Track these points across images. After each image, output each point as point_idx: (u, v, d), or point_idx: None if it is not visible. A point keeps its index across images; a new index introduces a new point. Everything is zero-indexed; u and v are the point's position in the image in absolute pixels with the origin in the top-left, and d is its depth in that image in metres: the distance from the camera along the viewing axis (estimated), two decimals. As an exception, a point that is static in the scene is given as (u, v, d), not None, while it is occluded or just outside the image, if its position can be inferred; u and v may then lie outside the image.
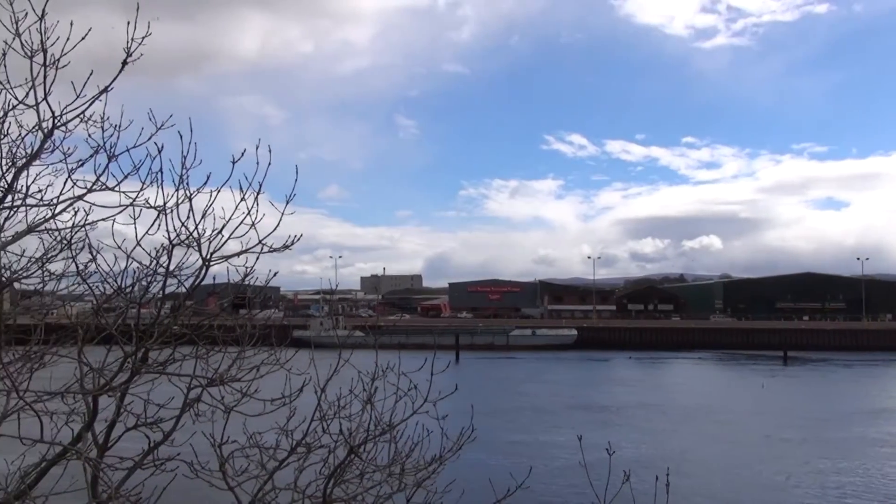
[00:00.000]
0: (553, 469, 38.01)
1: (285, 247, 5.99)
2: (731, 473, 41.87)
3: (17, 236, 6.40)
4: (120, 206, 6.10)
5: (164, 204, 5.85)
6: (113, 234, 6.04)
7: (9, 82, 5.90)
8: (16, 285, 6.89)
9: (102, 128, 6.09)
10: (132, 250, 5.95)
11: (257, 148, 5.67)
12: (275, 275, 6.18)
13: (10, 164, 6.14)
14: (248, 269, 6.05)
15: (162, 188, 5.87)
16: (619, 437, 47.65)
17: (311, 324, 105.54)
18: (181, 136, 5.70)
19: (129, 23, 5.65)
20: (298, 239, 6.03)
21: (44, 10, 5.56)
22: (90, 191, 6.12)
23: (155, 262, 5.95)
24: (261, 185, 5.75)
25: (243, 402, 6.14)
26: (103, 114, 6.03)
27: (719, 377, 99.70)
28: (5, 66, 5.88)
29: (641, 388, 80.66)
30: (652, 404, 67.03)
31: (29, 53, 5.68)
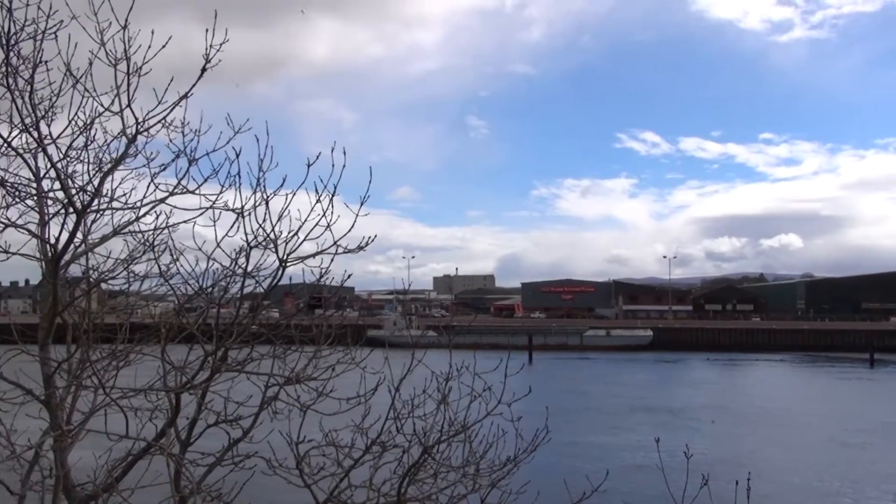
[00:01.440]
0: (629, 471, 37.45)
1: (360, 248, 6.04)
2: (808, 480, 40.50)
3: (104, 238, 6.63)
4: (200, 208, 6.27)
5: (242, 206, 5.98)
6: (193, 236, 6.20)
7: (95, 90, 6.12)
8: (103, 286, 7.15)
9: (183, 133, 6.27)
10: (212, 252, 6.10)
11: (332, 151, 5.74)
12: (350, 276, 6.26)
13: (96, 169, 6.37)
14: (324, 270, 6.12)
15: (240, 191, 6.00)
16: (695, 440, 46.65)
17: (384, 324, 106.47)
18: (258, 140, 5.81)
19: (207, 30, 5.79)
20: (373, 240, 6.08)
21: (126, 20, 5.74)
22: (172, 194, 6.31)
23: (234, 263, 6.09)
24: (335, 188, 5.82)
25: (319, 400, 6.23)
26: (183, 119, 6.21)
27: (800, 380, 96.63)
28: (91, 74, 6.09)
29: (718, 390, 78.76)
30: (728, 407, 65.37)
31: (113, 62, 5.88)
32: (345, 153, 5.78)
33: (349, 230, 5.92)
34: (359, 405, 6.34)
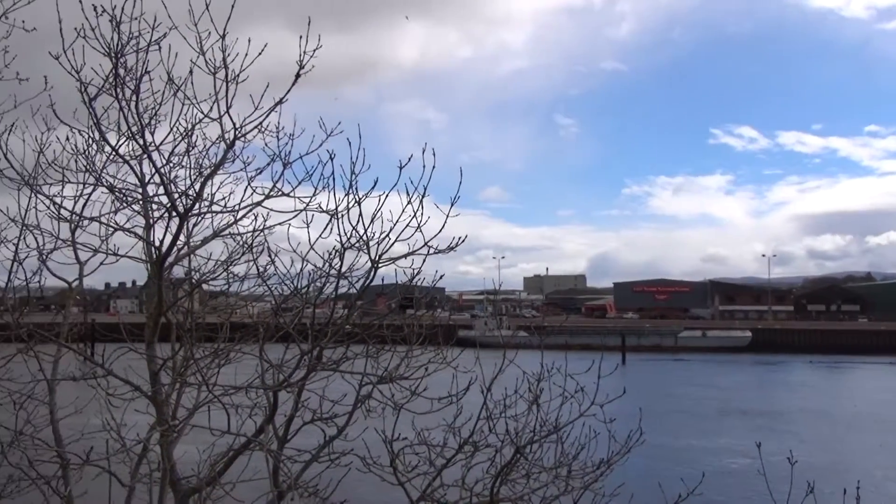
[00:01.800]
0: (726, 476, 36.37)
1: (450, 248, 6.07)
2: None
3: (205, 241, 6.88)
4: (295, 211, 6.43)
5: (336, 208, 6.09)
6: (289, 237, 6.36)
7: (195, 98, 6.35)
8: (204, 286, 7.41)
9: (278, 137, 6.45)
10: (307, 253, 6.25)
11: (423, 152, 5.78)
12: (441, 276, 6.28)
13: (197, 173, 6.61)
14: (415, 271, 6.18)
15: (333, 193, 6.12)
16: (795, 445, 44.84)
17: (475, 324, 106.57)
18: (350, 143, 5.92)
19: (300, 37, 5.93)
20: (463, 241, 6.10)
21: (225, 29, 5.93)
22: (268, 197, 6.49)
23: (328, 264, 6.21)
24: (426, 189, 5.87)
25: (412, 399, 6.29)
26: (278, 124, 6.39)
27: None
28: (192, 83, 6.33)
29: (820, 394, 75.57)
30: (830, 412, 62.63)
31: (212, 70, 6.08)
32: (434, 155, 5.83)
33: (440, 231, 5.95)
34: (450, 405, 6.38)
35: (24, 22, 7.42)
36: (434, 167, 5.84)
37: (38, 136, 7.22)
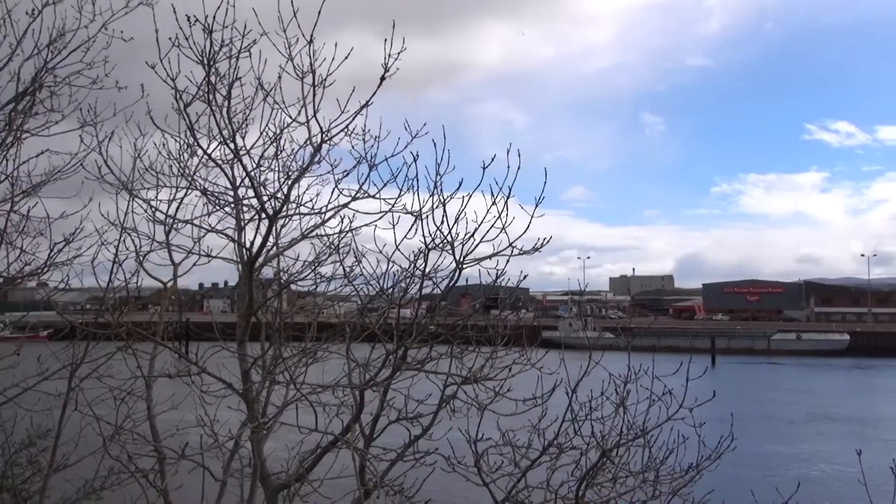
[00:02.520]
0: (822, 484, 35.05)
1: (535, 249, 6.03)
2: None
3: (293, 242, 7.03)
4: (380, 212, 6.49)
5: (420, 209, 6.13)
6: (374, 238, 6.43)
7: (283, 102, 6.50)
8: (292, 287, 7.58)
9: (364, 140, 6.54)
10: (392, 254, 6.30)
11: (508, 153, 5.77)
12: (525, 277, 6.25)
13: (285, 176, 6.77)
14: (500, 271, 6.16)
15: (418, 194, 6.16)
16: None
17: (560, 325, 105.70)
18: (435, 144, 5.94)
19: (385, 40, 5.99)
20: (548, 241, 6.05)
21: (312, 35, 6.05)
22: (354, 199, 6.58)
23: (412, 265, 6.26)
24: (510, 189, 5.85)
25: (496, 400, 6.28)
26: (364, 127, 6.47)
27: None
28: (280, 88, 6.48)
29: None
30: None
31: (300, 75, 6.22)
32: (519, 155, 5.80)
33: (524, 231, 5.92)
34: (535, 406, 6.34)
35: (122, 32, 7.75)
36: (519, 168, 5.82)
37: (136, 142, 7.53)
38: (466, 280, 6.29)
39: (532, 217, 5.92)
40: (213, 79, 6.35)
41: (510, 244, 5.97)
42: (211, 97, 6.39)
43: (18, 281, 8.08)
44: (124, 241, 7.63)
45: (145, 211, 7.41)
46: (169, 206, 7.47)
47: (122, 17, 7.70)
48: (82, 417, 8.03)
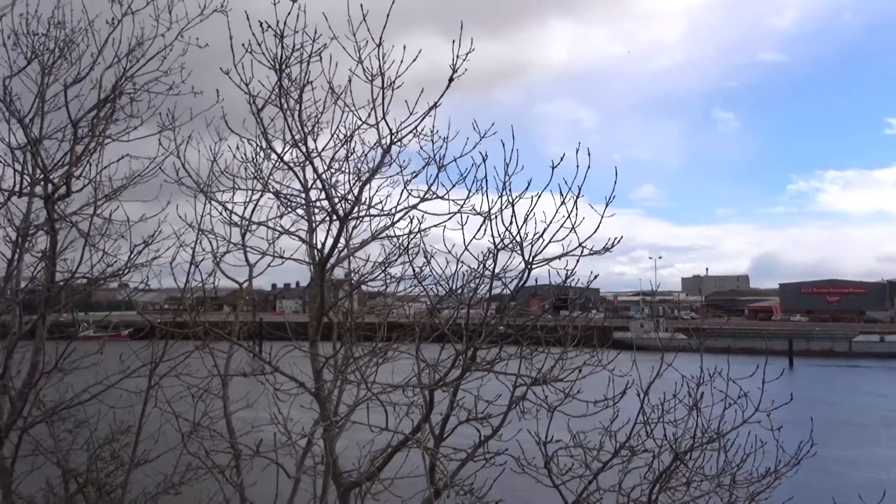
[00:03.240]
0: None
1: (605, 249, 5.96)
2: None
3: (364, 243, 7.12)
4: (449, 213, 6.52)
5: (489, 210, 6.13)
6: (444, 239, 6.45)
7: (354, 105, 6.58)
8: (363, 287, 7.67)
9: (432, 141, 6.57)
10: (461, 254, 6.31)
11: (577, 152, 5.72)
12: (595, 277, 6.18)
13: (356, 178, 6.85)
14: (569, 272, 6.11)
15: (486, 195, 6.16)
16: None
17: (631, 325, 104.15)
18: (503, 144, 5.93)
19: (453, 41, 6.01)
20: (618, 241, 5.97)
21: (381, 38, 6.11)
22: (423, 199, 6.62)
23: (481, 265, 6.26)
24: (580, 189, 5.79)
25: (566, 401, 6.23)
26: (433, 128, 6.50)
27: None
28: (351, 91, 6.57)
29: None
30: None
31: (370, 78, 6.28)
32: (589, 154, 5.74)
33: (594, 231, 5.85)
34: (606, 408, 6.27)
35: (197, 39, 7.97)
36: (589, 167, 5.76)
37: (212, 146, 7.73)
38: (536, 280, 6.27)
39: (602, 217, 5.86)
40: (285, 83, 6.48)
41: (580, 244, 5.92)
42: (283, 101, 6.53)
43: (101, 282, 8.38)
44: (201, 242, 7.86)
45: (221, 213, 7.61)
46: (244, 209, 7.66)
47: (197, 24, 7.91)
48: (162, 414, 8.28)
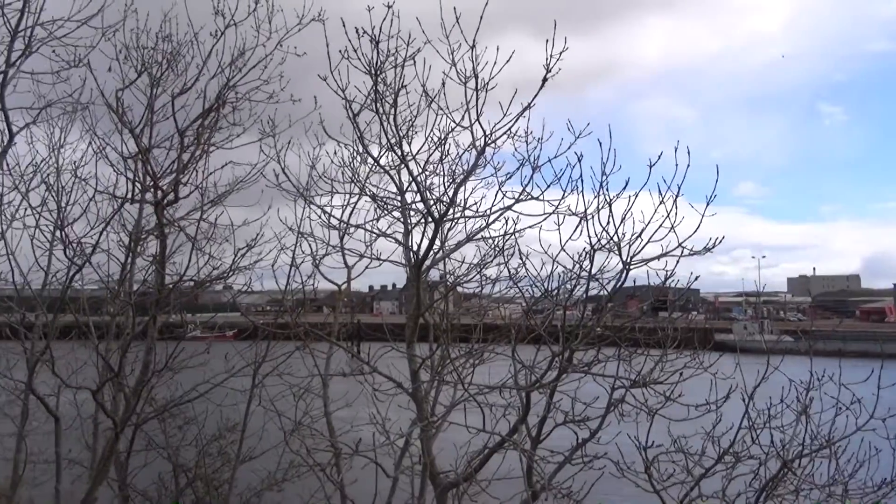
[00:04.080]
0: None
1: (706, 249, 5.79)
2: None
3: (459, 245, 7.14)
4: (544, 213, 6.47)
5: (585, 210, 6.05)
6: (539, 240, 6.41)
7: (448, 107, 6.62)
8: (458, 289, 7.70)
9: (526, 142, 6.55)
10: (557, 255, 6.25)
11: (676, 150, 5.58)
12: (696, 278, 6.02)
13: (450, 180, 6.89)
14: (669, 272, 5.97)
15: (582, 195, 6.08)
16: None
17: (734, 327, 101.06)
18: (600, 144, 5.85)
19: (546, 40, 5.96)
20: (720, 241, 5.79)
21: (474, 40, 6.12)
22: (518, 201, 6.59)
23: (578, 266, 6.19)
24: (679, 188, 5.65)
25: (667, 405, 6.08)
26: (527, 129, 6.47)
27: None
28: (444, 93, 6.60)
29: None
30: None
31: (463, 80, 6.30)
32: (689, 152, 5.59)
33: (695, 231, 5.70)
34: (708, 412, 6.09)
35: (295, 48, 8.18)
36: (688, 165, 5.61)
37: (310, 152, 7.93)
38: (634, 281, 6.14)
39: (703, 216, 5.70)
40: (380, 88, 6.57)
41: (679, 244, 5.77)
42: (378, 106, 6.62)
43: (207, 284, 8.70)
44: (301, 245, 8.08)
45: (320, 217, 7.79)
46: (342, 212, 7.82)
47: (295, 33, 8.13)
48: (265, 412, 8.55)
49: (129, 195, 8.72)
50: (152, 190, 8.39)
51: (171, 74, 8.47)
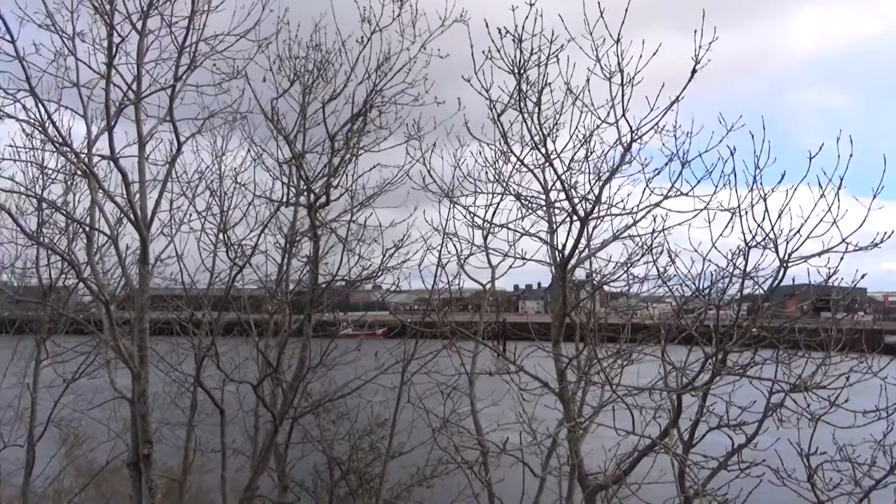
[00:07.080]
0: None
1: (874, 245, 5.39)
2: None
3: (605, 243, 7.02)
4: (694, 210, 6.26)
5: (738, 205, 5.79)
6: (689, 237, 6.21)
7: (592, 104, 6.51)
8: (605, 288, 7.57)
9: (675, 136, 6.34)
10: (708, 253, 6.02)
11: (838, 141, 5.24)
12: (863, 276, 5.62)
13: (595, 178, 6.78)
14: (831, 270, 5.62)
15: (735, 190, 5.83)
16: None
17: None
18: (752, 137, 5.58)
19: (695, 31, 5.75)
20: (889, 236, 5.38)
21: (619, 34, 6.00)
22: (666, 197, 6.41)
23: (731, 263, 5.94)
24: (841, 180, 5.31)
25: (830, 411, 5.73)
26: (675, 123, 6.27)
27: None
28: (589, 90, 6.49)
29: None
30: None
31: (608, 76, 6.19)
32: (851, 142, 5.24)
33: (860, 226, 5.33)
34: (878, 419, 5.68)
35: (438, 50, 8.31)
36: (851, 156, 5.26)
37: (454, 153, 8.04)
38: (793, 279, 5.84)
39: (869, 209, 5.33)
40: (523, 87, 6.55)
41: (843, 240, 5.41)
42: (522, 105, 6.61)
43: (358, 284, 9.01)
44: (446, 245, 8.20)
45: (464, 217, 7.88)
46: (486, 212, 7.87)
47: (438, 35, 8.25)
48: (413, 409, 8.74)
49: (285, 198, 9.16)
50: (306, 193, 8.77)
51: (321, 82, 8.84)
